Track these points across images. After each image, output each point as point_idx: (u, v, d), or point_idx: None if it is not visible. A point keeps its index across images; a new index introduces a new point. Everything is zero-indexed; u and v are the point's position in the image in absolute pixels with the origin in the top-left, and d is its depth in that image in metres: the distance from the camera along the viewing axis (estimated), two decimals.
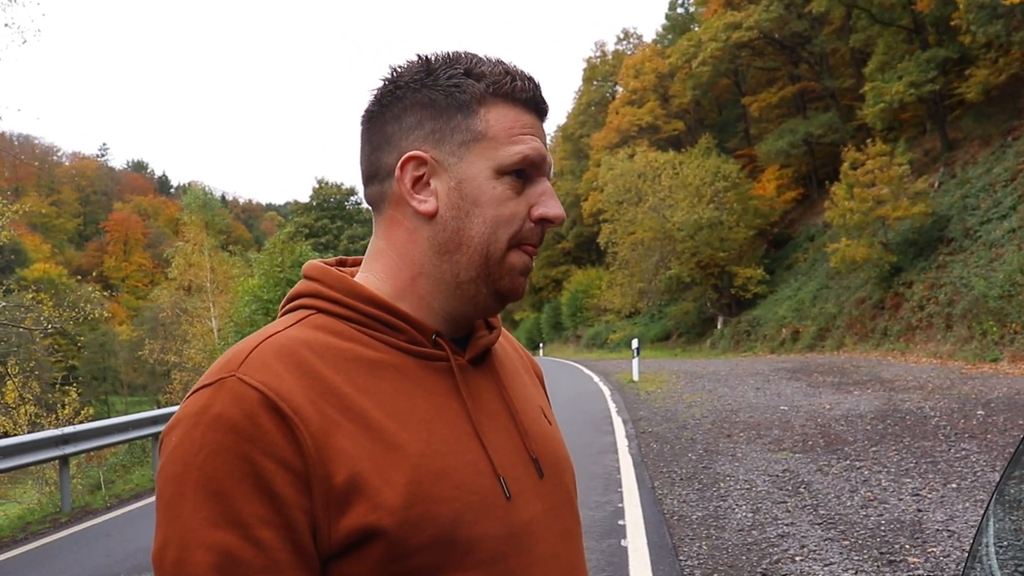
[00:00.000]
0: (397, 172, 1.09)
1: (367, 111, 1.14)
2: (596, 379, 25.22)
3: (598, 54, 71.57)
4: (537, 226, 1.11)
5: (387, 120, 1.11)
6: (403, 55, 1.15)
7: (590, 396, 19.51)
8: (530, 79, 1.12)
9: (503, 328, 1.30)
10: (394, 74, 1.12)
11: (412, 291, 1.10)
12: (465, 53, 1.11)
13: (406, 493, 0.96)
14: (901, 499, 7.08)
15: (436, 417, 1.04)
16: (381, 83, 1.13)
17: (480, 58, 1.11)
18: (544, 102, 1.13)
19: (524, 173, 1.09)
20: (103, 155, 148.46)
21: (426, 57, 1.11)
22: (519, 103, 1.10)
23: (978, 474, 7.66)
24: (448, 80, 1.08)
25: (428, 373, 1.08)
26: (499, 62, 1.11)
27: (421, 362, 1.08)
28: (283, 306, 1.15)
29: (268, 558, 0.90)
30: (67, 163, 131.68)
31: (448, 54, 1.11)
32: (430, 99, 1.09)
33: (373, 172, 1.13)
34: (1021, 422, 9.92)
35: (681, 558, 6.03)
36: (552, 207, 1.10)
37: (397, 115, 1.10)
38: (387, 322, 1.08)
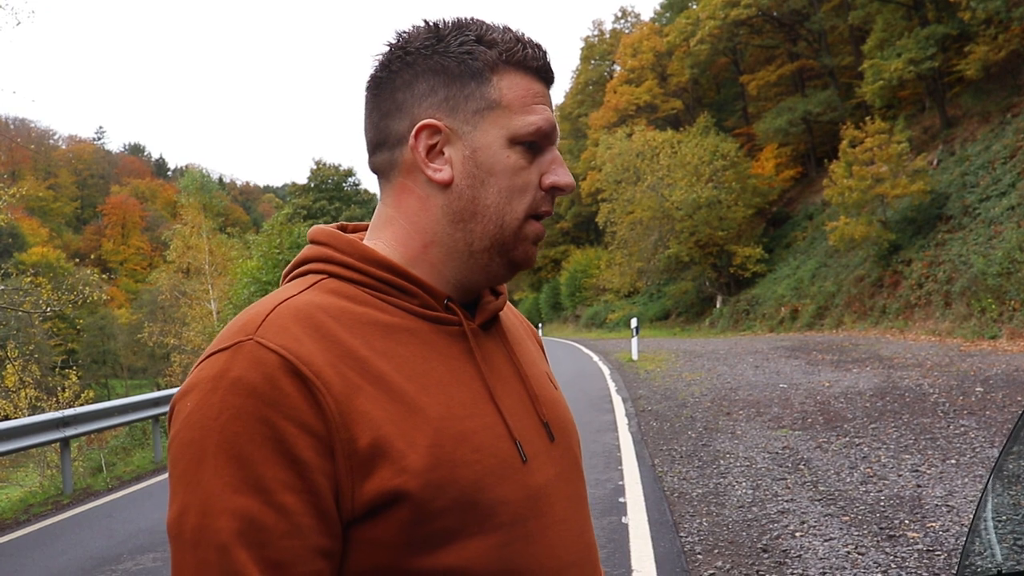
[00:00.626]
0: (411, 140, 1.07)
1: (374, 76, 1.12)
2: (595, 358, 25.26)
3: (595, 33, 71.25)
4: (548, 195, 1.11)
5: (397, 87, 1.09)
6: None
7: (589, 375, 19.55)
8: (539, 46, 1.11)
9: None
10: (402, 40, 1.10)
11: (424, 259, 1.10)
12: (473, 19, 1.10)
13: (429, 456, 0.95)
14: (900, 475, 7.10)
15: (453, 381, 1.04)
16: (387, 48, 1.11)
17: (489, 25, 1.10)
18: (552, 71, 1.13)
19: (536, 144, 1.09)
20: (100, 138, 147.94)
21: (434, 23, 1.10)
22: (530, 71, 1.09)
23: (976, 450, 7.69)
24: (460, 47, 1.07)
25: (442, 337, 1.07)
26: (508, 29, 1.10)
27: (435, 326, 1.08)
28: (288, 271, 1.14)
29: (291, 523, 0.89)
30: (64, 146, 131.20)
31: (457, 20, 1.10)
32: (442, 66, 1.07)
33: (382, 139, 1.11)
34: (1019, 398, 9.94)
35: (681, 535, 6.06)
36: (563, 175, 1.10)
37: (408, 81, 1.09)
38: (400, 287, 1.07)
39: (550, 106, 1.11)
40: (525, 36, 1.10)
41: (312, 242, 1.13)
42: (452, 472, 0.96)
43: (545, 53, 1.11)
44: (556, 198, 1.13)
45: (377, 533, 0.94)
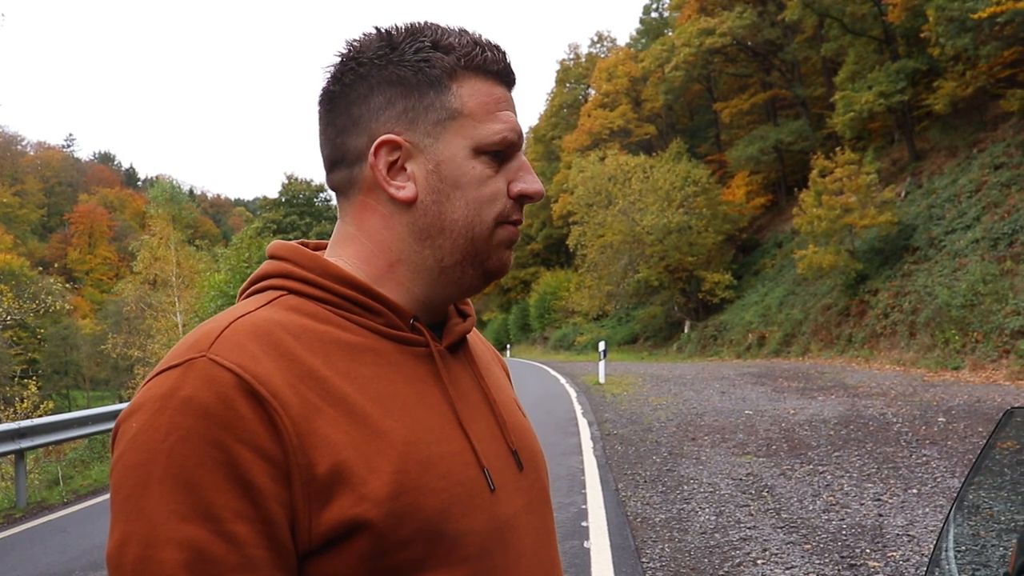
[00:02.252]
0: (370, 158, 1.02)
1: (326, 91, 1.06)
2: (562, 381, 25.23)
3: (571, 56, 71.76)
4: (516, 203, 1.06)
5: (352, 101, 1.03)
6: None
7: (556, 397, 19.51)
8: (498, 48, 1.06)
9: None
10: (353, 50, 1.04)
11: (390, 278, 1.04)
12: (428, 24, 1.05)
13: (393, 482, 0.90)
14: (863, 504, 7.13)
15: (419, 404, 0.98)
16: (339, 60, 1.05)
17: (445, 28, 1.04)
18: (513, 72, 1.08)
19: (502, 151, 1.04)
20: (69, 146, 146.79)
21: (386, 31, 1.04)
22: (491, 75, 1.04)
23: (938, 480, 7.73)
24: (416, 54, 1.01)
25: (408, 358, 1.02)
26: (464, 32, 1.05)
27: (400, 347, 1.02)
28: (246, 287, 1.07)
29: (242, 555, 0.82)
30: (32, 153, 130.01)
31: (410, 26, 1.04)
32: (398, 76, 1.02)
33: (339, 156, 1.06)
34: (981, 429, 10.02)
35: (644, 560, 6.04)
36: (531, 183, 1.06)
37: (363, 95, 1.03)
38: (364, 304, 1.01)
39: (514, 111, 1.07)
40: (483, 38, 1.06)
41: (272, 257, 1.07)
42: (417, 500, 0.91)
43: (505, 55, 1.06)
44: (525, 206, 1.09)
45: (335, 566, 0.88)
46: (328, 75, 1.06)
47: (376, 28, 1.05)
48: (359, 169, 1.04)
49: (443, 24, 1.06)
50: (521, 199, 1.06)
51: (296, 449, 0.86)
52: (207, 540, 0.81)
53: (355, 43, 1.05)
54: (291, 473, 0.86)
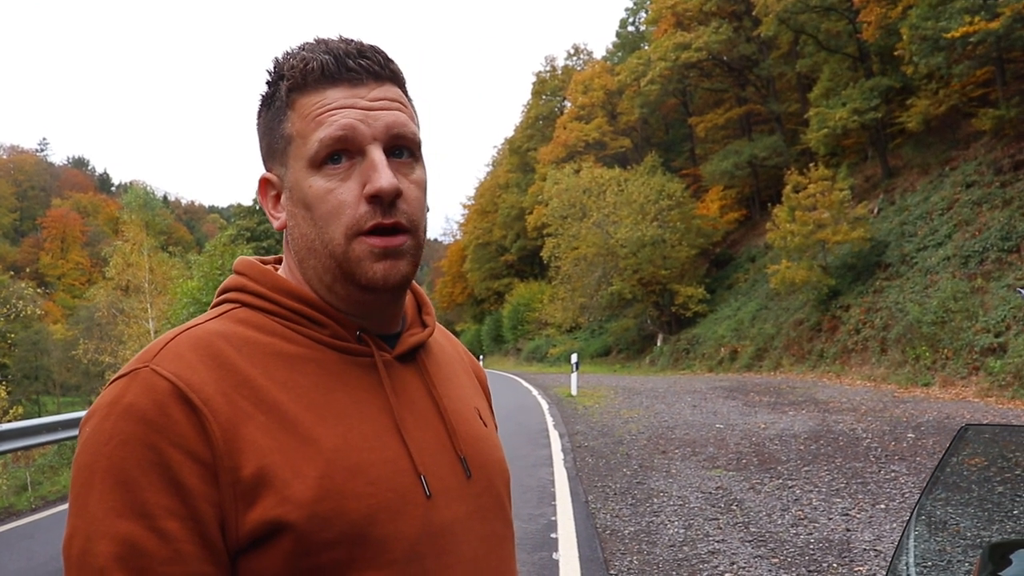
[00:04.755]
0: (259, 195, 1.13)
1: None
2: (534, 392, 25.24)
3: (548, 68, 71.85)
4: (372, 206, 1.03)
5: (258, 137, 1.13)
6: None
7: (527, 409, 19.51)
8: (330, 51, 1.05)
9: (446, 330, 1.30)
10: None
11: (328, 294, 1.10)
12: (287, 51, 1.08)
13: (317, 487, 0.94)
14: (831, 518, 7.15)
15: (355, 412, 1.02)
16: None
17: (291, 51, 1.08)
18: (354, 66, 1.05)
19: (344, 155, 1.03)
20: (42, 150, 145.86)
21: (273, 60, 1.10)
22: (319, 83, 1.04)
23: (906, 495, 7.77)
24: (269, 89, 1.09)
25: (351, 368, 1.06)
26: (301, 48, 1.07)
27: (345, 357, 1.07)
28: (214, 300, 1.14)
29: (172, 549, 0.89)
30: (4, 156, 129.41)
31: (277, 57, 1.09)
32: (263, 116, 1.10)
33: None
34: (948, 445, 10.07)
35: (612, 572, 6.03)
36: (376, 180, 1.01)
37: (258, 135, 1.12)
38: (311, 317, 1.07)
39: (362, 103, 1.04)
40: (321, 46, 1.06)
41: (233, 271, 1.15)
42: (341, 504, 0.95)
43: (339, 54, 1.05)
44: (396, 202, 1.04)
45: (263, 564, 0.93)
46: None
47: (275, 58, 1.10)
48: None
49: (302, 44, 1.09)
50: (373, 200, 1.03)
51: (223, 453, 0.92)
52: (140, 535, 0.88)
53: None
54: (219, 475, 0.92)
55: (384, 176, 1.01)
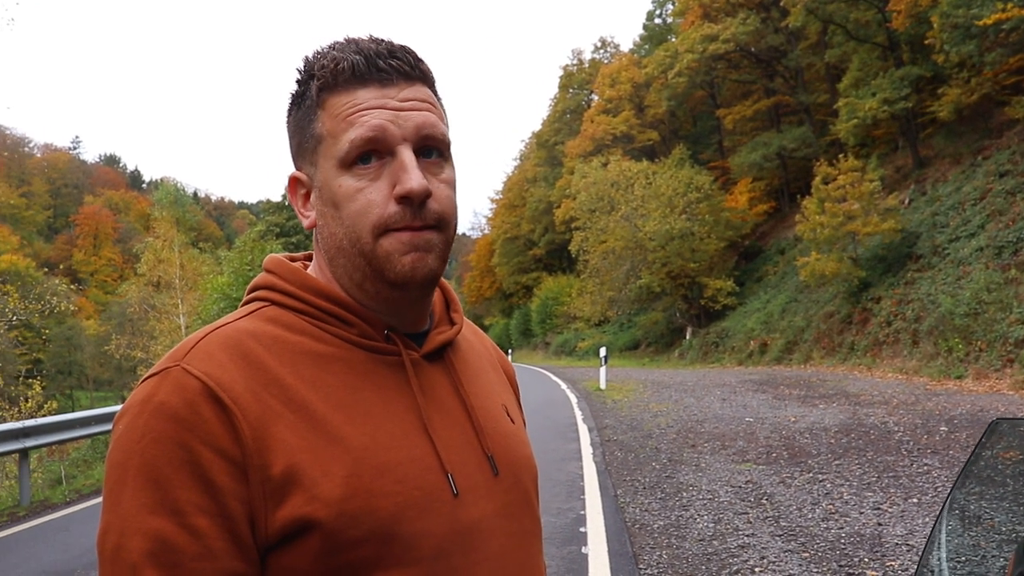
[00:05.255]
0: (288, 193, 1.13)
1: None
2: (563, 386, 25.23)
3: (575, 62, 71.64)
4: (402, 206, 1.03)
5: (288, 138, 1.13)
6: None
7: (557, 403, 19.50)
8: (361, 51, 1.05)
9: (474, 326, 1.30)
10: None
11: (358, 293, 1.10)
12: (318, 50, 1.08)
13: (345, 485, 0.95)
14: (862, 512, 7.10)
15: (383, 411, 1.03)
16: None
17: (321, 51, 1.08)
18: (384, 67, 1.05)
19: (374, 155, 1.04)
20: (75, 148, 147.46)
21: (304, 59, 1.10)
22: (350, 83, 1.04)
23: (939, 489, 7.70)
24: (299, 88, 1.09)
25: (379, 367, 1.07)
26: (334, 47, 1.07)
27: (372, 356, 1.07)
28: (244, 297, 1.15)
29: (203, 546, 0.90)
30: (39, 155, 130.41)
31: (308, 56, 1.09)
32: (295, 118, 1.10)
33: None
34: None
35: (641, 566, 6.02)
36: (406, 181, 1.02)
37: (288, 133, 1.13)
38: (339, 316, 1.07)
39: (392, 104, 1.04)
40: (352, 46, 1.06)
41: (263, 270, 1.16)
42: (368, 503, 0.96)
43: (370, 54, 1.05)
44: (427, 202, 1.04)
45: (292, 561, 0.94)
46: None
47: (305, 57, 1.10)
48: None
49: (332, 43, 1.08)
50: (403, 201, 1.03)
51: (253, 451, 0.94)
52: (171, 532, 0.90)
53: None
54: (248, 472, 0.93)
55: (414, 177, 1.02)
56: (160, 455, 0.91)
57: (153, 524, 0.89)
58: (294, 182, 1.12)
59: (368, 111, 1.03)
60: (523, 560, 1.12)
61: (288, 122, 1.12)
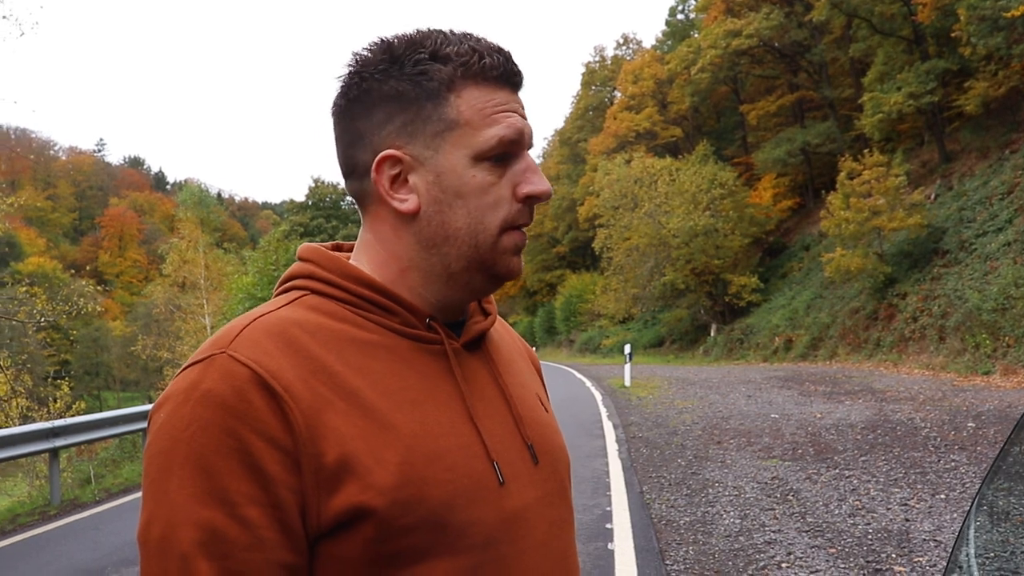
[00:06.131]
0: (373, 173, 1.06)
1: (335, 105, 1.10)
2: (588, 384, 25.21)
3: (597, 59, 71.48)
4: (524, 205, 1.08)
5: (356, 115, 1.08)
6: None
7: (582, 401, 19.49)
8: (499, 51, 1.07)
9: (501, 318, 1.30)
10: (357, 63, 1.07)
11: (402, 283, 1.09)
12: (429, 32, 1.07)
13: (398, 473, 0.95)
14: (889, 508, 7.07)
15: (429, 399, 1.03)
16: (346, 72, 1.08)
17: (445, 36, 1.06)
18: (517, 73, 1.09)
19: (504, 154, 1.06)
20: (100, 150, 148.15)
21: (388, 42, 1.06)
22: (491, 80, 1.06)
23: (967, 485, 7.66)
24: (414, 67, 1.04)
25: (422, 355, 1.07)
26: (464, 38, 1.06)
27: (415, 344, 1.07)
28: (278, 287, 1.15)
29: (254, 536, 0.89)
30: (64, 157, 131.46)
31: (411, 36, 1.06)
32: (397, 90, 1.05)
33: (350, 169, 1.11)
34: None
35: (667, 562, 6.02)
36: (537, 183, 1.07)
37: (366, 110, 1.07)
38: (381, 304, 1.07)
39: (520, 110, 1.08)
40: (484, 43, 1.07)
41: (299, 259, 1.14)
42: (421, 491, 0.96)
43: (507, 57, 1.08)
44: (536, 206, 1.10)
45: (343, 549, 0.94)
46: (338, 89, 1.10)
47: (380, 39, 1.08)
48: (367, 182, 1.09)
49: (445, 31, 1.07)
50: (528, 200, 1.08)
51: (306, 439, 0.92)
52: (221, 522, 0.88)
53: (359, 56, 1.08)
54: (301, 462, 0.92)
55: (544, 181, 1.08)
56: (209, 444, 0.89)
57: (203, 514, 0.88)
58: (387, 160, 1.06)
59: (507, 114, 1.06)
60: (563, 548, 1.13)
61: (381, 90, 1.05)
